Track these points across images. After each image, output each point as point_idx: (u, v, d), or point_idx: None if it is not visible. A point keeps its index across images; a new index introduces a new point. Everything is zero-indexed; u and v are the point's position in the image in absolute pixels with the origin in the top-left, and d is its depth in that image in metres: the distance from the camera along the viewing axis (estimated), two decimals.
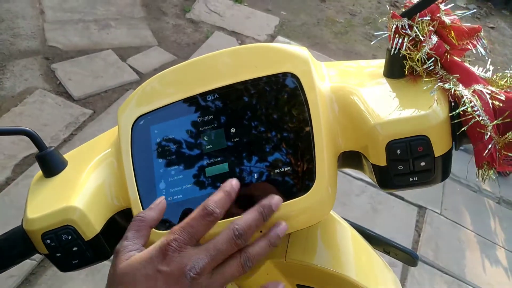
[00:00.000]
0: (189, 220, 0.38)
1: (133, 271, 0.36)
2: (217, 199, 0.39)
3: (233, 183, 0.41)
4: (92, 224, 0.46)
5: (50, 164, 0.51)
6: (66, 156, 0.54)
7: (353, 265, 0.58)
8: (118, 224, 0.50)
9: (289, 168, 0.44)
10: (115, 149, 0.52)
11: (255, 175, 0.45)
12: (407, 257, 0.72)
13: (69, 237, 0.46)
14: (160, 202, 0.43)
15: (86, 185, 0.49)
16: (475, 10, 3.70)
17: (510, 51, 3.61)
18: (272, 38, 3.03)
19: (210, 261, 0.36)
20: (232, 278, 0.38)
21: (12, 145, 1.84)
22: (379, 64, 0.50)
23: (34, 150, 0.51)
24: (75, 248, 0.46)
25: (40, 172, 0.52)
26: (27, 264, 1.49)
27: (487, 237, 2.04)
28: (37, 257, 1.51)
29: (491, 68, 0.44)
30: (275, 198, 0.41)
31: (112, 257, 0.40)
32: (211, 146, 0.47)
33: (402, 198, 2.11)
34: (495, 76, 0.43)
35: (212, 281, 0.37)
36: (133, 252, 0.38)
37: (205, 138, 0.47)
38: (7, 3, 2.65)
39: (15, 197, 1.67)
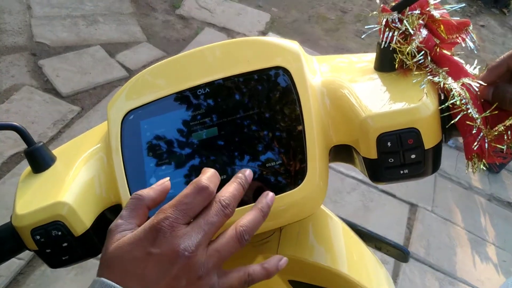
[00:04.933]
0: (181, 198, 0.36)
1: (122, 254, 0.34)
2: (209, 175, 0.38)
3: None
4: (82, 220, 0.46)
5: (39, 159, 0.51)
6: (55, 151, 0.54)
7: (345, 260, 0.58)
8: (108, 220, 0.50)
9: (280, 162, 0.45)
10: (104, 144, 0.52)
11: None
12: (398, 253, 0.73)
13: (59, 233, 0.45)
14: (164, 182, 0.40)
15: (75, 181, 0.48)
16: (464, 5, 3.74)
17: (500, 49, 3.66)
18: (263, 34, 3.02)
19: (204, 236, 0.35)
20: (229, 254, 0.36)
21: None
22: (370, 58, 0.50)
23: (21, 148, 0.51)
24: (65, 244, 0.46)
25: (28, 168, 0.52)
26: (15, 264, 1.47)
27: (477, 234, 2.07)
28: (26, 256, 1.49)
29: (478, 67, 0.45)
30: (248, 171, 0.42)
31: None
32: (202, 139, 0.47)
33: (393, 196, 2.12)
34: (483, 68, 0.44)
35: (209, 259, 0.35)
36: (126, 232, 0.36)
37: (196, 132, 0.47)
38: None
39: (2, 196, 1.65)
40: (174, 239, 0.33)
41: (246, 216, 0.38)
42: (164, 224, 0.34)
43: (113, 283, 0.33)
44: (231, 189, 0.39)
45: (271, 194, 0.41)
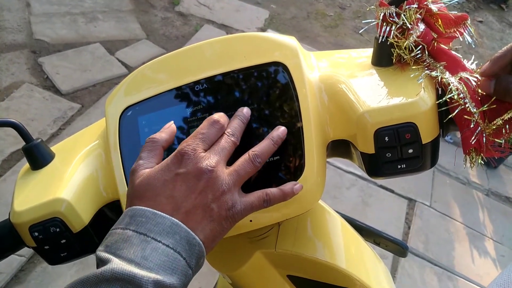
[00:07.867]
0: (198, 130, 0.42)
1: (151, 181, 0.38)
2: (220, 114, 0.44)
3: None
4: (80, 216, 0.46)
5: (37, 156, 0.50)
6: (53, 148, 0.53)
7: (343, 255, 0.58)
8: (107, 216, 0.50)
9: (278, 157, 0.44)
10: (103, 140, 0.52)
11: None
12: (397, 248, 0.73)
13: (57, 230, 0.45)
14: (170, 125, 0.45)
15: (73, 177, 0.48)
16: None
17: (498, 44, 3.64)
18: (262, 31, 3.02)
19: (220, 158, 0.40)
20: (246, 175, 0.41)
21: None
22: (368, 53, 0.50)
23: (22, 145, 0.50)
24: (63, 241, 0.46)
25: (27, 165, 0.52)
26: (16, 261, 1.47)
27: (475, 229, 2.07)
28: (27, 253, 1.50)
29: (475, 63, 0.44)
30: (245, 109, 0.46)
31: None
32: None
33: (392, 191, 2.12)
34: (480, 64, 0.44)
35: (229, 177, 0.40)
36: (148, 170, 0.40)
37: (194, 127, 0.47)
38: None
39: (3, 193, 1.65)
40: (197, 159, 0.39)
41: (259, 145, 0.43)
42: (187, 148, 0.39)
43: (145, 207, 0.36)
44: (235, 123, 0.44)
45: (282, 128, 0.44)
